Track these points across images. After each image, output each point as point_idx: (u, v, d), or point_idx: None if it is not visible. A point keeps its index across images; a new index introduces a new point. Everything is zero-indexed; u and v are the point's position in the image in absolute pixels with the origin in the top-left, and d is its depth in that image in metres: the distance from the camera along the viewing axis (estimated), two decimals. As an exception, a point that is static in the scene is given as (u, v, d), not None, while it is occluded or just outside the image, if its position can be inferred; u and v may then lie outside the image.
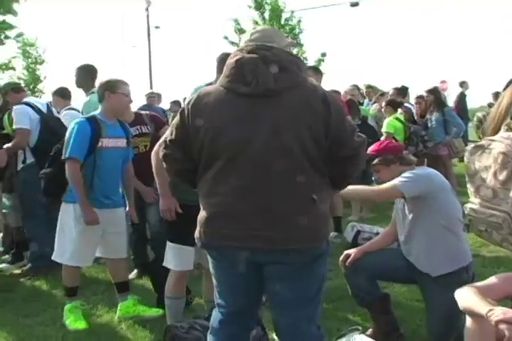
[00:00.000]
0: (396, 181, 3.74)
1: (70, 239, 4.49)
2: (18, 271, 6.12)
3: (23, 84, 6.43)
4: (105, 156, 4.42)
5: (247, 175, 2.60)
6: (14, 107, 6.06)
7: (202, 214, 2.75)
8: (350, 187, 3.23)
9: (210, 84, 4.34)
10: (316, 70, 6.84)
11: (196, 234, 2.78)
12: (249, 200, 2.60)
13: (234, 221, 2.63)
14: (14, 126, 5.97)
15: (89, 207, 4.34)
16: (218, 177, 2.66)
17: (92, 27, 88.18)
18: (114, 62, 61.52)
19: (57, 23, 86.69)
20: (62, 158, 4.42)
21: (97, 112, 4.53)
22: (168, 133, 2.91)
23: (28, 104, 6.15)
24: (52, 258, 4.69)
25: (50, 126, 6.09)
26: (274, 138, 2.58)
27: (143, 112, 5.72)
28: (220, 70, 4.92)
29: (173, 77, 60.20)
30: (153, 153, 3.80)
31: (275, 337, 3.85)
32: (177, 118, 2.84)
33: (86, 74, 6.72)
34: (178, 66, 77.09)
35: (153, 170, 3.80)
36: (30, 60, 38.89)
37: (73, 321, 4.52)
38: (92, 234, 4.48)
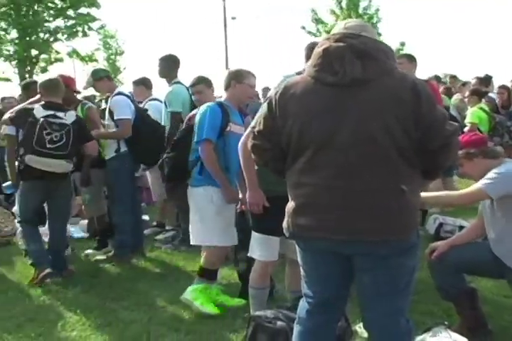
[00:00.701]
0: (480, 184, 3.64)
1: (212, 221, 4.50)
2: (102, 257, 6.29)
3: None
4: (231, 140, 4.44)
5: (335, 165, 2.58)
6: (114, 97, 6.14)
7: (290, 205, 2.75)
8: (432, 193, 3.15)
9: (300, 73, 4.32)
10: (410, 58, 6.63)
11: (284, 224, 2.78)
12: (337, 191, 2.58)
13: (321, 212, 2.61)
14: (115, 117, 6.05)
15: (229, 186, 4.36)
16: (306, 168, 2.65)
17: (170, 18, 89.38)
18: (191, 52, 62.04)
19: (135, 14, 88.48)
20: (196, 140, 4.49)
21: (222, 98, 4.60)
22: (254, 124, 2.92)
23: (123, 93, 6.24)
24: (194, 243, 4.72)
25: (143, 116, 6.20)
26: (361, 129, 2.55)
27: None
28: (309, 59, 4.93)
29: (249, 67, 60.39)
30: (240, 145, 3.82)
31: (358, 329, 3.85)
32: (264, 108, 2.84)
33: (169, 65, 6.85)
34: (254, 57, 77.28)
35: (241, 161, 3.82)
36: (110, 52, 39.99)
37: (205, 303, 4.54)
38: (228, 212, 4.56)
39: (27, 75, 22.11)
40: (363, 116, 2.54)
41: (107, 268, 5.98)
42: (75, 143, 5.35)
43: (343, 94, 2.58)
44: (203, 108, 4.57)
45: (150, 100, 7.30)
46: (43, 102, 5.45)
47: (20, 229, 6.64)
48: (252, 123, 3.54)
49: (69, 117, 5.39)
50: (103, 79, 6.33)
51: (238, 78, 4.48)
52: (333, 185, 2.57)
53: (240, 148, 3.81)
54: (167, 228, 7.33)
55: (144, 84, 7.47)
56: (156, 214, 7.82)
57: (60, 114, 5.34)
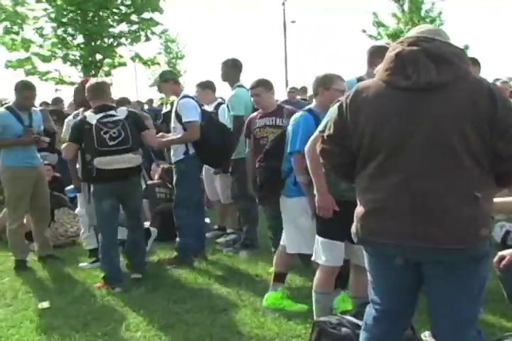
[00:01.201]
0: None
1: (308, 231, 4.38)
2: (165, 258, 6.36)
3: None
4: None
5: (407, 170, 2.54)
6: (181, 100, 6.20)
7: (359, 210, 2.72)
8: (498, 199, 3.04)
9: (361, 78, 4.29)
10: (474, 61, 6.50)
11: (353, 229, 2.75)
12: (409, 197, 2.54)
13: (392, 218, 2.58)
14: (183, 120, 6.10)
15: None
16: (377, 173, 2.62)
17: (230, 22, 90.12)
18: (251, 56, 62.39)
19: (196, 19, 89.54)
20: (289, 151, 4.46)
21: (312, 105, 4.56)
22: (322, 128, 2.90)
23: (189, 96, 6.29)
24: (292, 251, 4.70)
25: (209, 119, 6.25)
26: (435, 134, 2.50)
27: (286, 106, 5.80)
28: (370, 63, 4.89)
29: (308, 71, 60.32)
30: (307, 149, 3.80)
31: (423, 338, 3.78)
32: (334, 112, 2.82)
33: (232, 68, 6.89)
34: (314, 60, 77.05)
35: (309, 166, 3.80)
36: (171, 56, 40.59)
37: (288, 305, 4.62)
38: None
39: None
40: (437, 120, 2.50)
41: (170, 271, 6.03)
42: (134, 135, 5.44)
43: (417, 98, 2.54)
44: (295, 117, 4.51)
45: (220, 104, 7.34)
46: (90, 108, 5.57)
47: (83, 230, 6.81)
48: (320, 128, 3.52)
49: (121, 113, 5.49)
50: (169, 81, 6.40)
51: (325, 85, 4.41)
52: (405, 190, 2.54)
53: (307, 153, 3.80)
54: (228, 231, 7.37)
55: (209, 87, 7.53)
56: (216, 218, 7.87)
57: (112, 112, 5.45)
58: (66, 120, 6.54)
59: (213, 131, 6.17)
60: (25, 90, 6.22)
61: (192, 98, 6.31)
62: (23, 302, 5.17)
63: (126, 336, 4.32)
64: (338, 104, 2.81)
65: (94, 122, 5.33)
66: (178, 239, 6.37)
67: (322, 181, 3.76)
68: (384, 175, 2.60)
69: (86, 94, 5.67)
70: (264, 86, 5.76)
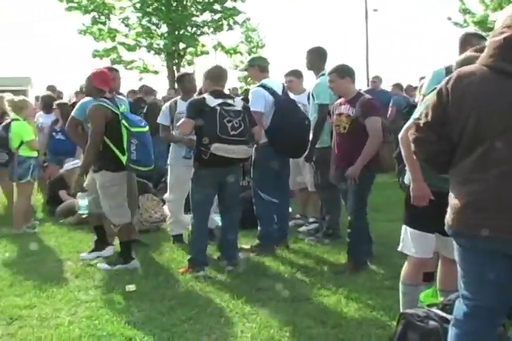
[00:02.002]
0: None
1: None
2: (246, 246, 6.40)
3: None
4: None
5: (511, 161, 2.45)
6: (251, 90, 6.28)
7: (455, 202, 2.63)
8: None
9: (449, 68, 4.14)
10: None
11: (448, 221, 2.67)
12: (511, 189, 2.44)
13: (492, 210, 2.49)
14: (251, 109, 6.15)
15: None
16: (478, 163, 2.53)
17: (311, 10, 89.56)
18: (332, 45, 61.79)
19: (276, 8, 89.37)
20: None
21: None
22: (417, 115, 2.82)
23: (264, 86, 6.33)
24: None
25: (284, 109, 6.23)
26: None
27: (366, 96, 5.67)
28: (461, 51, 4.72)
29: (389, 60, 59.37)
30: (401, 138, 3.71)
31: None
32: (433, 99, 2.73)
33: (317, 57, 6.84)
34: (396, 49, 75.72)
35: (404, 155, 3.71)
36: (252, 45, 40.74)
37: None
38: None
39: (174, 68, 23.02)
40: None
41: (252, 258, 6.07)
42: (249, 128, 5.54)
43: None
44: None
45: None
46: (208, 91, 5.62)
47: (169, 215, 6.93)
48: (415, 115, 3.43)
49: (238, 103, 5.56)
50: (254, 67, 6.49)
51: None
52: (508, 182, 2.44)
53: (401, 141, 3.71)
54: (310, 220, 7.35)
55: (298, 76, 7.49)
56: (297, 206, 7.86)
57: (230, 101, 5.51)
58: (163, 107, 6.80)
59: (289, 121, 6.14)
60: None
61: (265, 87, 6.30)
62: (111, 285, 5.31)
63: (210, 321, 4.37)
64: (436, 90, 2.73)
65: (213, 105, 5.40)
66: (259, 227, 6.40)
67: (417, 169, 3.66)
68: (486, 166, 2.51)
69: (203, 76, 5.77)
70: (337, 72, 5.68)
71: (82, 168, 5.96)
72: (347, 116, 5.58)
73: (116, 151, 5.71)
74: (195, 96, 6.24)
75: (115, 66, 22.46)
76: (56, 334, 4.18)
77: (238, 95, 15.55)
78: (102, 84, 5.92)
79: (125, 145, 5.63)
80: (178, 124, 5.77)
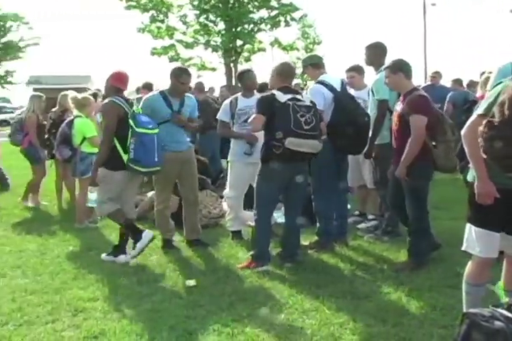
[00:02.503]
0: None
1: None
2: (305, 243, 6.38)
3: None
4: None
5: None
6: (310, 87, 6.26)
7: None
8: None
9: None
10: None
11: None
12: None
13: None
14: None
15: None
16: None
17: (368, 5, 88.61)
18: (389, 40, 61.04)
19: (332, 3, 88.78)
20: None
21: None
22: (483, 111, 2.74)
23: (322, 82, 6.31)
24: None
25: (343, 105, 6.19)
26: None
27: (417, 92, 5.56)
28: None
29: (448, 55, 58.25)
30: (465, 134, 3.61)
31: None
32: (496, 95, 2.66)
33: (377, 52, 6.76)
34: (454, 44, 74.28)
35: (468, 152, 3.61)
36: (308, 41, 40.61)
37: None
38: None
39: (231, 65, 23.15)
40: None
41: (311, 255, 6.06)
42: (319, 123, 5.59)
43: None
44: None
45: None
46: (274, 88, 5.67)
47: (228, 211, 6.97)
48: (479, 111, 3.34)
49: (306, 99, 5.59)
50: (307, 67, 6.55)
51: None
52: None
53: (465, 138, 3.62)
54: (369, 217, 7.28)
55: (360, 72, 7.44)
56: (356, 203, 7.81)
57: (299, 97, 5.54)
58: (223, 104, 6.86)
59: (348, 117, 6.10)
60: (183, 75, 6.32)
61: (323, 83, 6.27)
62: (171, 279, 5.38)
63: (269, 318, 4.38)
64: (500, 85, 2.66)
65: (284, 101, 5.43)
66: (318, 224, 6.38)
67: (482, 166, 3.56)
68: None
69: (271, 72, 5.80)
70: (390, 68, 5.62)
71: (96, 164, 6.11)
72: (397, 113, 5.54)
73: (120, 150, 5.87)
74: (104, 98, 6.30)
75: (173, 63, 22.81)
76: (119, 327, 4.26)
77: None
78: (120, 83, 6.11)
79: (128, 144, 5.80)
80: (249, 120, 5.80)
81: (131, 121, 5.79)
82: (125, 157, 5.83)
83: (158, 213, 6.55)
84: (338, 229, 6.40)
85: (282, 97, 5.44)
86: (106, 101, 6.10)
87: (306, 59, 6.83)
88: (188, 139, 6.71)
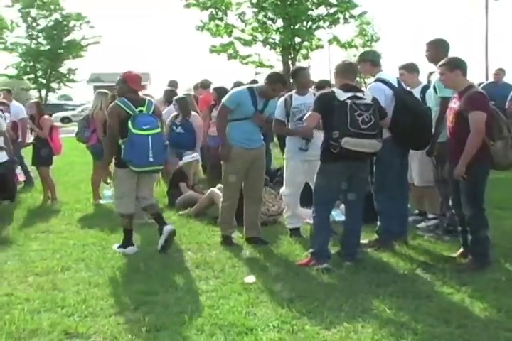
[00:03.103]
0: None
1: None
2: (365, 241, 6.33)
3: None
4: None
5: None
6: (370, 85, 6.19)
7: None
8: None
9: None
10: None
11: None
12: None
13: None
14: None
15: None
16: None
17: (427, 1, 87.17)
18: (449, 36, 59.89)
19: (391, 0, 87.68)
20: None
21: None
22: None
23: (381, 80, 6.22)
24: None
25: (404, 101, 6.10)
26: None
27: (474, 89, 5.43)
28: None
29: (510, 52, 56.79)
30: None
31: None
32: None
33: (439, 49, 6.63)
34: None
35: None
36: (366, 38, 40.25)
37: None
38: None
39: (289, 62, 23.12)
40: None
41: (371, 253, 6.01)
42: (378, 122, 5.53)
43: None
44: None
45: (426, 87, 7.14)
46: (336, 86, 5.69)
47: (286, 209, 6.96)
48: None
49: (367, 97, 5.53)
50: (366, 62, 6.42)
51: None
52: None
53: None
54: (429, 216, 7.16)
55: (416, 70, 7.35)
56: (414, 202, 7.68)
57: (360, 94, 5.50)
58: (278, 101, 6.79)
59: (410, 113, 6.01)
60: (278, 83, 6.34)
61: (382, 81, 6.20)
62: (230, 276, 5.41)
63: (329, 315, 4.35)
64: None
65: (343, 99, 5.42)
66: (378, 223, 6.31)
67: None
68: None
69: (335, 71, 5.82)
70: (447, 65, 5.52)
71: (102, 161, 6.78)
72: (453, 110, 5.43)
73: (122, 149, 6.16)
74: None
75: (232, 61, 22.93)
76: (180, 321, 4.31)
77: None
78: (135, 85, 6.37)
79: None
80: (304, 117, 5.79)
81: (129, 123, 6.06)
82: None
83: (223, 209, 6.59)
84: (399, 228, 6.32)
85: (342, 95, 5.42)
86: (111, 104, 6.44)
87: (368, 53, 6.72)
88: (262, 137, 6.74)
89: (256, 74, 23.40)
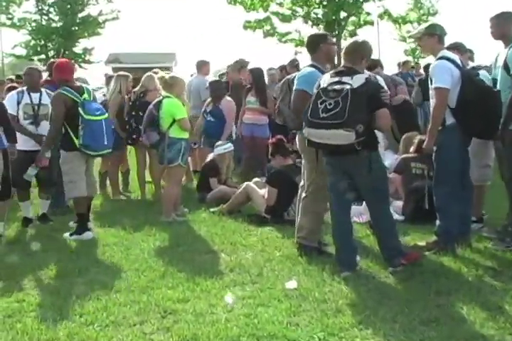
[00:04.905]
0: None
1: None
2: (421, 243, 6.28)
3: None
4: None
5: None
6: (436, 62, 6.08)
7: None
8: None
9: None
10: None
11: None
12: None
13: None
14: (433, 85, 6.01)
15: None
16: None
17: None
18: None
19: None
20: None
21: None
22: None
23: (447, 58, 6.08)
24: None
25: (473, 82, 6.01)
26: None
27: None
28: None
29: None
30: None
31: None
32: None
33: (506, 24, 6.53)
34: None
35: None
36: (422, 12, 39.76)
37: None
38: None
39: (334, 40, 22.98)
40: None
41: (429, 257, 5.96)
42: (356, 109, 5.18)
43: None
44: None
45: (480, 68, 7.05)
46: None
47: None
48: None
49: (356, 81, 5.32)
50: (434, 36, 6.24)
51: None
52: None
53: None
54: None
55: (463, 50, 7.22)
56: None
57: (345, 79, 5.36)
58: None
59: (479, 96, 5.92)
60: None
61: (449, 59, 6.07)
62: (269, 281, 5.42)
63: (383, 327, 4.32)
64: None
65: (323, 86, 5.38)
66: (438, 222, 6.25)
67: None
68: None
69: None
70: None
71: (43, 148, 7.48)
72: None
73: (72, 134, 7.12)
74: None
75: (268, 39, 22.82)
76: (213, 332, 4.33)
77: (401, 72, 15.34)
78: (64, 74, 7.40)
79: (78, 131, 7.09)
80: None
81: (80, 109, 7.07)
82: (77, 141, 7.08)
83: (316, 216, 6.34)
84: (461, 228, 6.23)
85: (326, 81, 5.41)
86: (55, 93, 7.36)
87: (436, 26, 6.44)
88: None
89: (296, 53, 23.29)
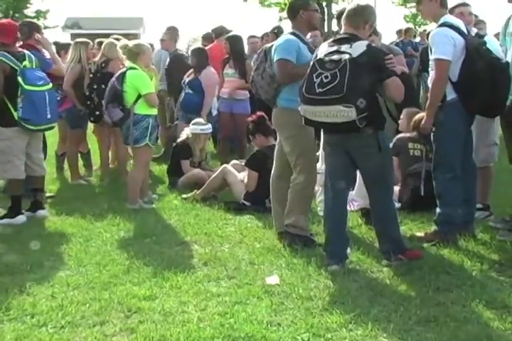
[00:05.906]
0: None
1: None
2: (420, 234, 6.32)
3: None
4: None
5: None
6: (436, 30, 6.07)
7: None
8: None
9: None
10: None
11: None
12: None
13: None
14: (432, 56, 6.01)
15: None
16: None
17: None
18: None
19: None
20: None
21: None
22: None
23: (450, 25, 6.06)
24: None
25: (479, 52, 6.00)
26: None
27: None
28: None
29: None
30: None
31: None
32: None
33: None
34: None
35: None
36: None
37: None
38: None
39: (324, 4, 22.96)
40: None
41: (428, 249, 6.00)
42: (356, 81, 5.14)
43: None
44: None
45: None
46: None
47: (320, 190, 6.94)
48: None
49: (356, 49, 5.29)
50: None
51: None
52: None
53: None
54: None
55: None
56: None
57: (344, 47, 5.33)
58: None
59: (482, 69, 5.92)
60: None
61: (452, 26, 6.07)
62: (248, 275, 5.43)
63: (374, 327, 4.35)
64: None
65: (320, 56, 5.37)
66: (438, 209, 6.28)
67: None
68: None
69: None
70: None
71: None
72: None
73: (10, 107, 7.09)
74: None
75: (248, 3, 22.70)
76: (184, 333, 4.33)
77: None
78: (3, 37, 7.24)
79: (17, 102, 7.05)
80: None
81: (19, 78, 7.01)
82: (15, 114, 7.06)
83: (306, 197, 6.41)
84: (464, 217, 6.27)
85: (324, 51, 5.42)
86: None
87: None
88: None
89: (280, 19, 23.22)
